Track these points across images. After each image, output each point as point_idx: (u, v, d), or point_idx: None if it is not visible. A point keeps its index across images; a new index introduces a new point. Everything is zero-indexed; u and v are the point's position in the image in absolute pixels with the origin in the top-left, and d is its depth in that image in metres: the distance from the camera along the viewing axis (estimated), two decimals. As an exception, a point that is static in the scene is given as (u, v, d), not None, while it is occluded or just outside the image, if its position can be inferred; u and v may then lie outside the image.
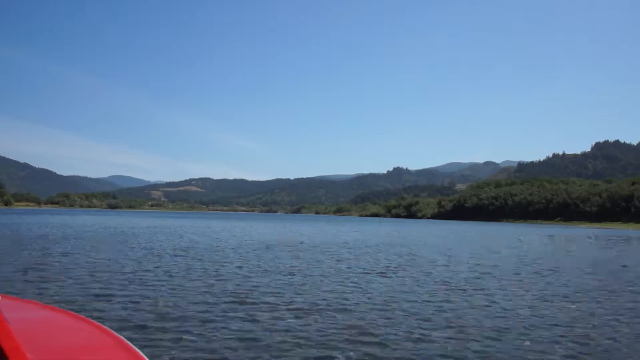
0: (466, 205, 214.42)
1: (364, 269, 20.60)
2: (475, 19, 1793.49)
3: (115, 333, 2.89)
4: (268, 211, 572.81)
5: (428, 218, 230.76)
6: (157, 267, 19.07)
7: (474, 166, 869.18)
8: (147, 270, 17.83)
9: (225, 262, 21.41)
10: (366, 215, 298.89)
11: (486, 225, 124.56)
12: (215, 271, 18.32)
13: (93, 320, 3.22)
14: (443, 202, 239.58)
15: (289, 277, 17.41)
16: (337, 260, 23.96)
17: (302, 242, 37.36)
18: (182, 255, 23.83)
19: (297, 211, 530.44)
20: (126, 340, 2.72)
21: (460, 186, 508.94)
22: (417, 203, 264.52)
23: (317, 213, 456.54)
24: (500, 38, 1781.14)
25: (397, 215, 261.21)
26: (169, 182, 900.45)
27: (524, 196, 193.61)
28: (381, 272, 19.51)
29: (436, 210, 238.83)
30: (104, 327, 3.06)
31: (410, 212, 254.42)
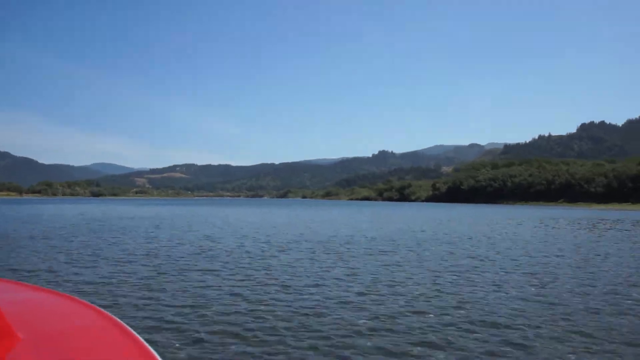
0: (462, 187, 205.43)
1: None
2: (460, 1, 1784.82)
3: (112, 315, 2.80)
4: (254, 196, 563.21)
5: (422, 201, 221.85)
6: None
7: (458, 148, 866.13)
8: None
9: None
10: (356, 199, 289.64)
11: (487, 208, 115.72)
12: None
13: (88, 302, 3.11)
14: (438, 185, 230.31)
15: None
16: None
17: (370, 237, 27.40)
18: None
19: (284, 196, 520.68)
20: (123, 323, 2.62)
21: (445, 168, 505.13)
22: (409, 186, 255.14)
23: (304, 197, 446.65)
24: (484, 21, 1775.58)
25: (390, 199, 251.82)
26: (153, 169, 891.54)
27: (523, 177, 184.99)
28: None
29: (430, 192, 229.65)
30: (100, 308, 2.96)
31: (403, 195, 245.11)
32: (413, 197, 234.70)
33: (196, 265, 15.61)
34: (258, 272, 14.20)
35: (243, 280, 12.94)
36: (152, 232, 30.01)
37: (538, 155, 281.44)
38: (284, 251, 19.85)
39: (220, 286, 12.04)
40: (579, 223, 46.95)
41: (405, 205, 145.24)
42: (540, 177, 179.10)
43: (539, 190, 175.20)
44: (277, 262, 16.56)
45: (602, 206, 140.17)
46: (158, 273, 13.88)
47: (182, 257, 17.40)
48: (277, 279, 13.22)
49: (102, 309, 2.92)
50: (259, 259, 17.24)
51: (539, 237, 29.11)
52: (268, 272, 14.40)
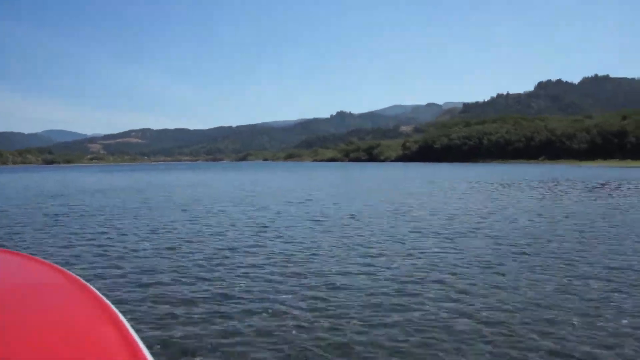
0: (435, 146, 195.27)
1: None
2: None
3: (68, 271, 2.61)
4: (213, 160, 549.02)
5: (392, 161, 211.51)
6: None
7: (416, 108, 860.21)
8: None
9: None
10: (321, 161, 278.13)
11: (462, 167, 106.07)
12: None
13: (42, 259, 2.91)
14: (408, 144, 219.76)
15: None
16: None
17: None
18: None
19: (244, 159, 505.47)
20: (81, 279, 2.48)
21: (404, 128, 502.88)
22: (378, 145, 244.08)
23: (265, 160, 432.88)
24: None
25: (357, 159, 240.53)
26: (108, 135, 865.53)
27: (500, 134, 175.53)
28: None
29: (400, 152, 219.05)
30: (55, 265, 2.76)
31: (371, 156, 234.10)
32: (382, 157, 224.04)
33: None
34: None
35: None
36: (157, 218, 18.87)
37: (497, 114, 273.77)
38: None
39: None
40: (593, 188, 35.69)
41: (384, 166, 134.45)
42: (518, 134, 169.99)
43: (517, 148, 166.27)
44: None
45: (589, 163, 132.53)
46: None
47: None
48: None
49: (60, 266, 2.71)
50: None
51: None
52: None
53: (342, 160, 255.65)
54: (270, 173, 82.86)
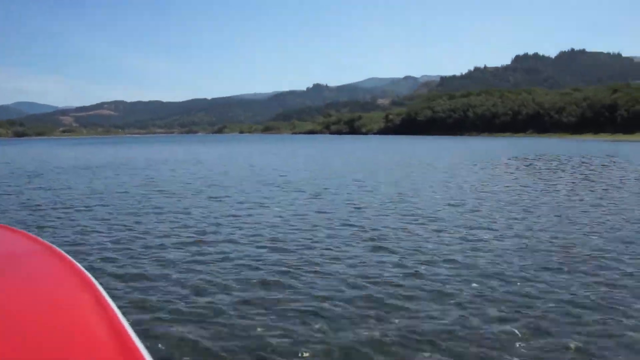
0: (418, 118, 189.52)
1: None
2: None
3: (43, 239, 2.55)
4: (188, 132, 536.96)
5: (374, 133, 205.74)
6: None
7: (393, 81, 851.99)
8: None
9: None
10: (301, 133, 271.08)
11: (446, 141, 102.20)
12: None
13: (16, 228, 2.86)
14: (391, 116, 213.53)
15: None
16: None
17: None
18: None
19: (220, 131, 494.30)
20: (55, 246, 2.42)
21: (381, 101, 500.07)
22: (360, 118, 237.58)
23: (241, 132, 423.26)
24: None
25: (338, 132, 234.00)
26: (80, 107, 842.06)
27: (486, 107, 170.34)
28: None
29: (383, 125, 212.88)
30: (28, 233, 2.67)
31: (353, 128, 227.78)
32: (364, 130, 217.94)
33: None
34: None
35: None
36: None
37: (474, 87, 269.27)
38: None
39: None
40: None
41: (374, 139, 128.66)
42: (505, 107, 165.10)
43: (504, 121, 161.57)
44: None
45: (577, 136, 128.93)
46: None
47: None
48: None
49: (35, 235, 2.63)
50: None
51: None
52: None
53: (322, 133, 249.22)
54: (266, 146, 77.99)
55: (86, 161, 39.98)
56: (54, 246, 2.42)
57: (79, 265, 2.11)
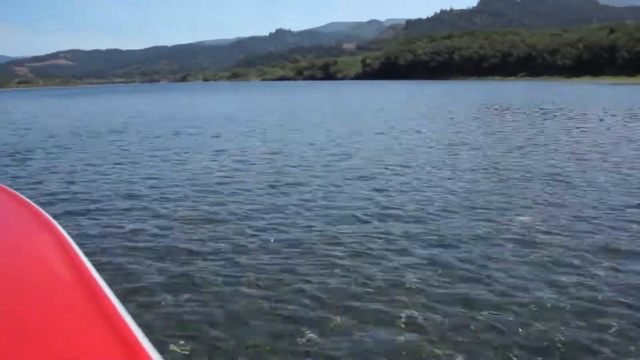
0: (399, 62, 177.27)
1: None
2: None
3: (29, 200, 2.25)
4: (149, 81, 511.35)
5: (351, 79, 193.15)
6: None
7: (358, 25, 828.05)
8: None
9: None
10: (271, 80, 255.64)
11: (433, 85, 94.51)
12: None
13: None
14: (368, 61, 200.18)
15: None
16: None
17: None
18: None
19: (183, 79, 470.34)
20: (16, 192, 2.33)
21: (347, 46, 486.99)
22: (335, 63, 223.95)
23: (205, 80, 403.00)
24: None
25: (312, 78, 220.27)
26: (35, 57, 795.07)
27: (474, 49, 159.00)
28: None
29: (360, 70, 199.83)
30: (17, 193, 2.44)
31: (328, 74, 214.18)
32: (340, 76, 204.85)
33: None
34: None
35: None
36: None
37: (441, 30, 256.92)
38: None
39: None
40: None
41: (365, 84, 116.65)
42: (493, 49, 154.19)
43: (493, 63, 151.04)
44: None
45: (574, 79, 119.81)
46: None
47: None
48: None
49: (22, 195, 2.36)
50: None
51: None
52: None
53: (294, 79, 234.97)
54: (264, 95, 66.15)
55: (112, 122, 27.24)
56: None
57: (39, 207, 2.01)
